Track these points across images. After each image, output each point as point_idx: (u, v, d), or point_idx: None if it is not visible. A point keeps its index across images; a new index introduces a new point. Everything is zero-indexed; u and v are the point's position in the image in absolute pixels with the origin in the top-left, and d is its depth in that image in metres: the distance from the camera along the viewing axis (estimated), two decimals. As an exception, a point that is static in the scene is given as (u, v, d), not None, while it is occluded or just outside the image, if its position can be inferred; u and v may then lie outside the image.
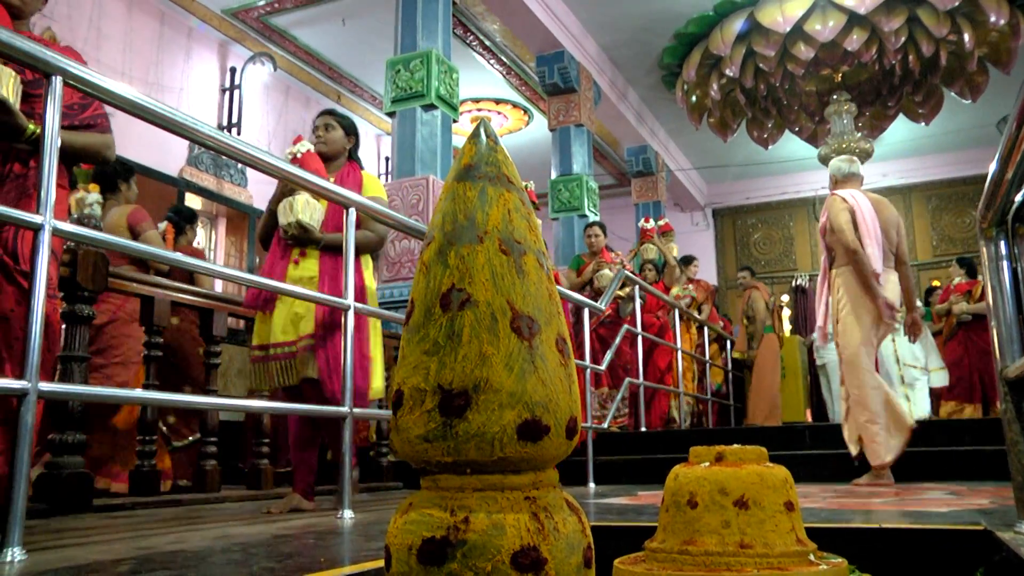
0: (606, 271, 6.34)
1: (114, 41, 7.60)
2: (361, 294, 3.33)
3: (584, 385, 4.93)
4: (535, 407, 0.84)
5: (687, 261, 8.64)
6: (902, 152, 12.24)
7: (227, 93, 8.87)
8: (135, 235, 4.29)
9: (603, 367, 5.29)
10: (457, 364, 0.83)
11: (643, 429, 6.18)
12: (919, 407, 7.87)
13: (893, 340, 7.76)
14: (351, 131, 3.66)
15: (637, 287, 6.08)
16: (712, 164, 12.53)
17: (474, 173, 0.90)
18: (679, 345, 6.83)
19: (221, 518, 2.92)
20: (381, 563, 1.55)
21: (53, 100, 1.98)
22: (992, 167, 2.04)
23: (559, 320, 0.90)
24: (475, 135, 0.93)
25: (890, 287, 4.28)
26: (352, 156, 3.68)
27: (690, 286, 8.15)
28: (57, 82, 1.99)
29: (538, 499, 0.85)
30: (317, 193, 3.08)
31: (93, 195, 3.94)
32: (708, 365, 8.23)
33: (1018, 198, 2.07)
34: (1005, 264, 2.18)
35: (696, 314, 7.92)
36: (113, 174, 4.52)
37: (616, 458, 5.27)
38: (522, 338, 0.85)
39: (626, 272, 5.92)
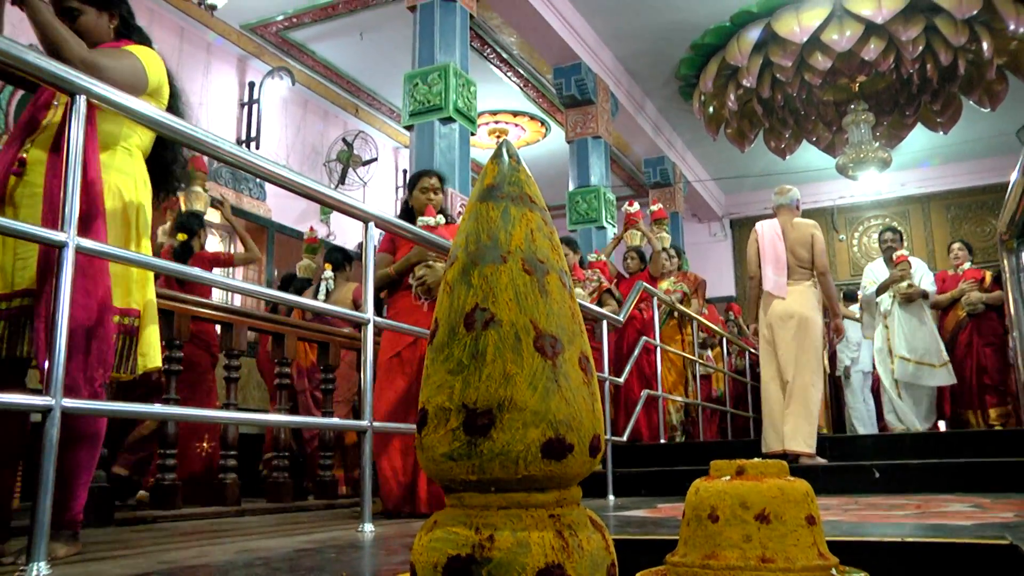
0: (578, 290, 6.17)
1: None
2: (91, 202, 2.17)
3: (604, 397, 4.93)
4: (559, 425, 0.84)
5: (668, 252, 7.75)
6: (921, 161, 12.17)
7: (246, 107, 8.96)
8: (356, 307, 5.32)
9: (622, 379, 5.28)
10: (481, 383, 0.84)
11: (662, 441, 6.17)
12: (909, 417, 6.75)
13: (886, 327, 6.92)
14: (107, 5, 2.48)
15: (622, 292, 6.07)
16: (730, 175, 12.52)
17: (496, 193, 0.91)
18: (691, 348, 6.73)
19: (242, 532, 2.93)
20: (403, 578, 1.56)
21: (77, 118, 2.00)
22: (1013, 178, 2.03)
23: (582, 339, 0.91)
24: (497, 155, 0.94)
25: (793, 298, 5.17)
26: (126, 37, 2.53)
27: (681, 282, 7.51)
28: (81, 101, 2.02)
29: (562, 517, 0.86)
30: None
31: (328, 272, 5.99)
32: (721, 372, 7.91)
33: (1040, 209, 2.06)
34: (1028, 275, 2.17)
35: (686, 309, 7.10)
36: (343, 260, 6.13)
37: (635, 470, 5.26)
38: (546, 357, 0.85)
39: (644, 284, 5.90)
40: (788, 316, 5.15)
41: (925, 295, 6.86)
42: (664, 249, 7.15)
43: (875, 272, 7.22)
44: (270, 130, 9.16)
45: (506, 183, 0.92)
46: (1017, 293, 2.22)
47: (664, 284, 7.14)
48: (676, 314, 6.83)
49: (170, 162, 2.56)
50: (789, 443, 4.92)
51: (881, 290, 6.98)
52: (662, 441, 6.09)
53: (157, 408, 2.35)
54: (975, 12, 7.47)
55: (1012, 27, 7.68)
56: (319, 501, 4.72)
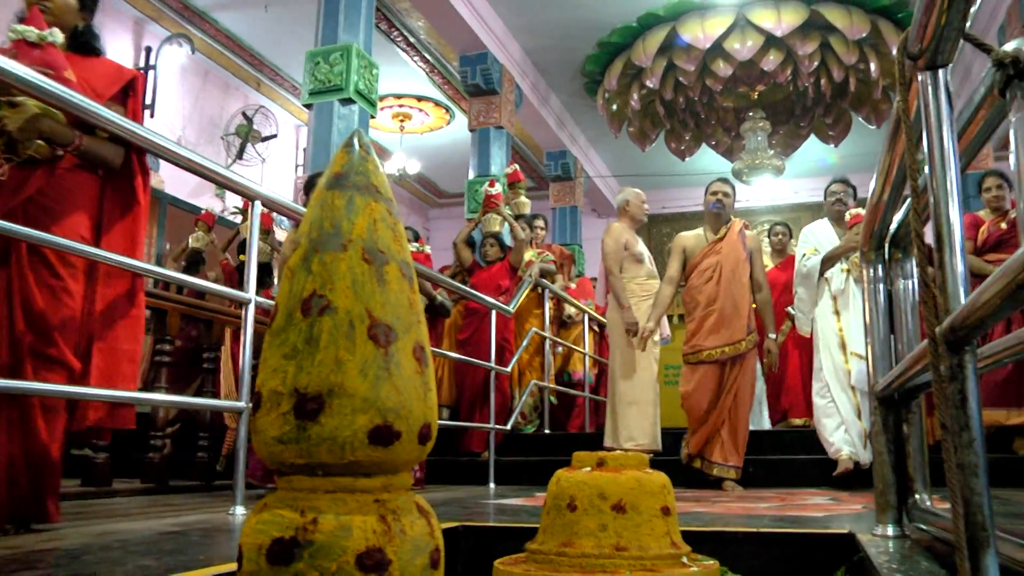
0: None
1: (12, 7, 7.31)
2: None
3: (490, 387, 4.97)
4: (387, 413, 0.86)
5: (529, 223, 6.89)
6: (813, 171, 12.64)
7: (140, 73, 8.63)
8: None
9: (508, 368, 5.33)
10: (313, 368, 0.85)
11: (548, 431, 6.26)
12: (863, 451, 4.40)
13: (837, 313, 4.79)
14: None
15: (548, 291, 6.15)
16: (630, 172, 12.73)
17: (344, 182, 0.92)
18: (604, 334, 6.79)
19: (108, 513, 2.85)
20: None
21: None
22: (870, 189, 2.15)
23: (418, 329, 0.93)
24: (348, 144, 0.95)
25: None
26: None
27: (546, 252, 6.93)
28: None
29: (387, 502, 0.88)
30: None
31: None
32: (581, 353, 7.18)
33: (894, 223, 2.18)
34: (881, 287, 2.30)
35: (551, 284, 6.46)
36: None
37: (519, 459, 5.33)
38: (378, 345, 0.87)
39: (532, 275, 5.97)
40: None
41: None
42: (521, 215, 6.60)
43: (818, 235, 5.21)
44: (166, 99, 8.84)
45: (354, 172, 0.93)
46: (873, 303, 2.34)
47: (530, 253, 6.48)
48: (539, 288, 6.27)
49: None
50: (612, 440, 4.97)
51: (828, 261, 4.98)
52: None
53: (58, 387, 2.26)
54: (864, 35, 7.86)
55: (895, 51, 8.05)
56: (196, 482, 4.62)
